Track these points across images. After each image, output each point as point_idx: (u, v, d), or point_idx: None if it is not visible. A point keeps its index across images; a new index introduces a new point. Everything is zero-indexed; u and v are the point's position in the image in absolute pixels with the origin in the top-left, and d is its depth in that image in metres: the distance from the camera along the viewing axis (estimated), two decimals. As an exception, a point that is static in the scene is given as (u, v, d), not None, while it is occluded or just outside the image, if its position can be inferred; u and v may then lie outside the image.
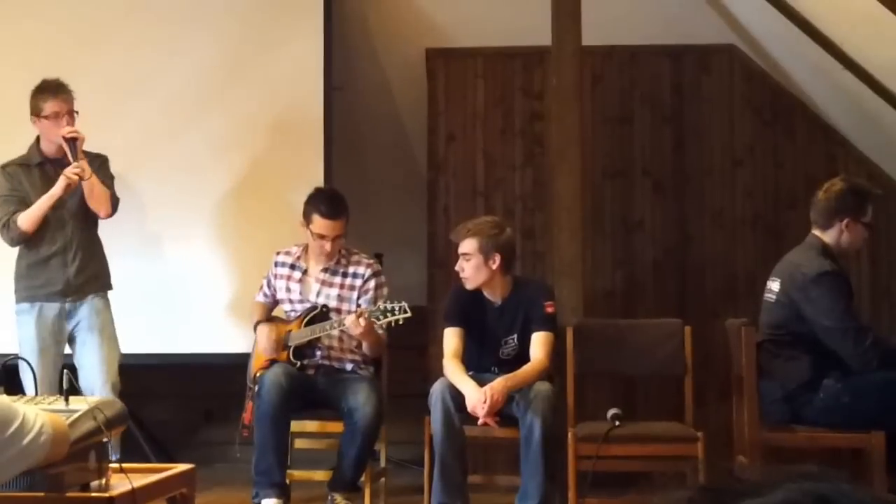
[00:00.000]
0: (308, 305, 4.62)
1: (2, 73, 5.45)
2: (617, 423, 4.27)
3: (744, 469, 4.05)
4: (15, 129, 4.84)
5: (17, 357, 3.53)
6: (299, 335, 4.55)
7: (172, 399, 5.98)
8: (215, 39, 5.56)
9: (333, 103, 5.61)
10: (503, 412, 4.18)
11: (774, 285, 4.18)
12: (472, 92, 5.83)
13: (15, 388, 2.58)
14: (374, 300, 4.53)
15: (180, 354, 5.46)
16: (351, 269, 4.64)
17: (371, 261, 4.72)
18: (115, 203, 4.61)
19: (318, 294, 4.63)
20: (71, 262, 4.56)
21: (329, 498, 4.40)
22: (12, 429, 2.10)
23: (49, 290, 4.54)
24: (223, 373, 5.26)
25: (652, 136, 5.76)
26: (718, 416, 4.86)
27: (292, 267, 4.70)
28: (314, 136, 5.50)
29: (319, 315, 4.56)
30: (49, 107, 4.52)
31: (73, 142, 4.46)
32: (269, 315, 4.77)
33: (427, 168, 5.86)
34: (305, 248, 4.71)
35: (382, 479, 4.70)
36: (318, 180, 5.26)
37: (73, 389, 2.57)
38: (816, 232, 4.17)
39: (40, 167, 4.60)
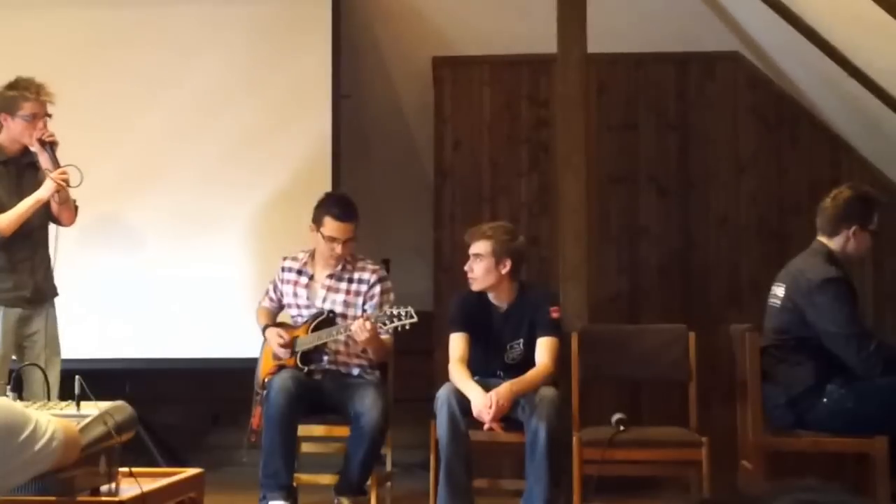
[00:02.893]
0: (314, 311, 4.65)
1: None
2: (622, 427, 4.29)
3: (747, 476, 4.08)
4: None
5: (32, 364, 3.55)
6: (306, 341, 4.58)
7: (181, 403, 6.02)
8: (225, 49, 5.61)
9: (341, 111, 5.65)
10: (509, 417, 4.20)
11: (779, 290, 4.20)
12: (479, 99, 5.86)
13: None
14: (380, 305, 4.56)
15: (189, 359, 5.50)
16: (356, 275, 4.67)
17: (376, 266, 4.75)
18: (76, 210, 4.50)
19: (324, 300, 4.66)
20: (38, 267, 4.44)
21: (336, 501, 4.42)
22: (25, 434, 2.13)
23: (17, 295, 4.38)
24: (231, 377, 5.29)
25: (657, 143, 5.79)
26: (723, 421, 4.88)
27: (299, 273, 4.73)
28: (322, 144, 5.54)
29: (326, 320, 4.59)
30: (29, 107, 4.32)
31: (51, 146, 4.32)
32: (274, 319, 4.81)
33: (433, 175, 5.90)
34: (312, 254, 4.74)
35: (388, 483, 4.72)
36: (327, 187, 5.30)
37: (85, 395, 2.59)
38: (822, 238, 4.18)
39: (5, 165, 4.41)
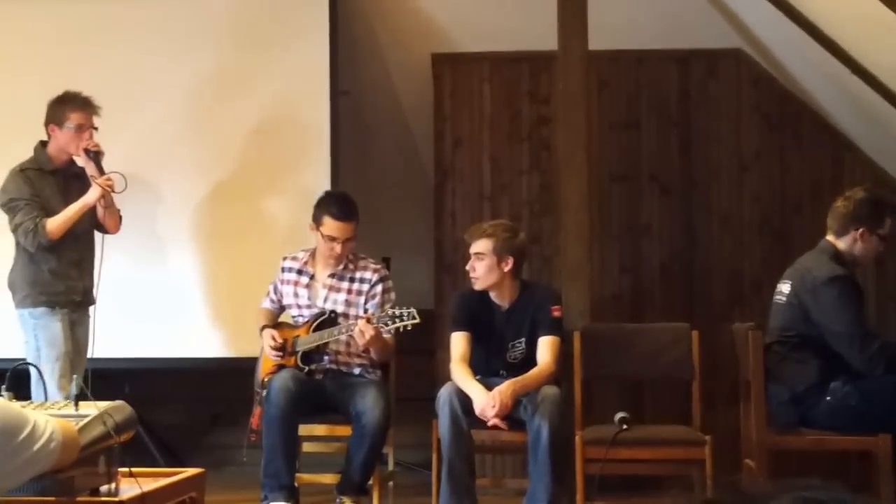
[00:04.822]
0: (315, 311, 4.63)
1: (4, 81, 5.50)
2: (624, 426, 4.28)
3: (751, 474, 4.06)
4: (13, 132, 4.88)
5: (26, 363, 3.53)
6: (307, 340, 4.55)
7: (181, 403, 6.00)
8: (222, 44, 5.57)
9: (340, 108, 5.62)
10: (511, 416, 4.19)
11: (785, 287, 4.19)
12: (479, 97, 5.84)
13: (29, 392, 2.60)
14: (382, 305, 4.54)
15: (188, 359, 5.47)
16: (358, 275, 4.65)
17: (378, 266, 4.73)
18: (120, 219, 4.71)
19: (325, 299, 4.64)
20: (86, 272, 4.63)
21: (337, 501, 4.41)
22: (23, 435, 2.11)
23: (68, 298, 4.55)
24: (231, 377, 5.27)
25: (659, 141, 5.76)
26: (726, 420, 4.86)
27: (299, 272, 4.71)
28: (321, 141, 5.50)
29: (327, 320, 4.56)
30: (76, 118, 4.54)
31: (96, 155, 4.51)
32: (274, 321, 4.78)
33: (434, 172, 5.87)
34: (312, 254, 4.72)
35: (390, 483, 4.71)
36: (326, 185, 5.27)
37: (83, 395, 2.57)
38: (830, 238, 4.18)
39: (53, 174, 4.61)
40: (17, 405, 2.30)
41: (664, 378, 4.83)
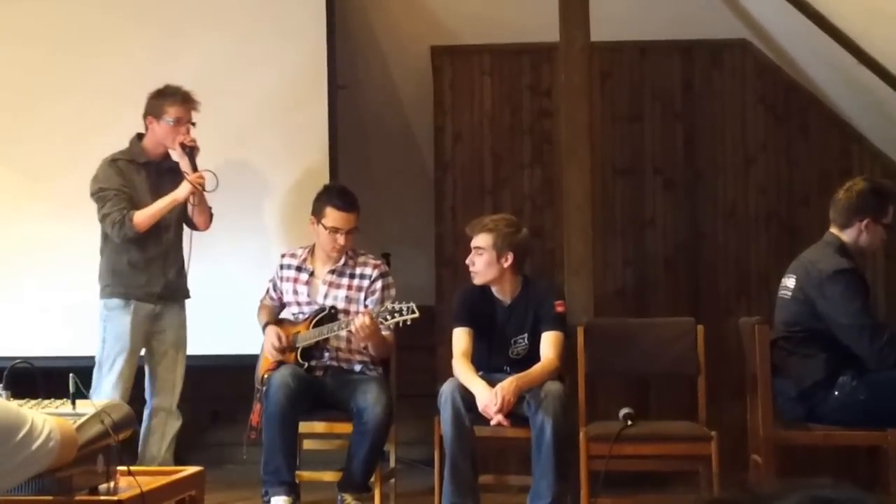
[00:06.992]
0: (315, 307, 4.58)
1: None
2: (629, 422, 4.24)
3: (758, 470, 4.02)
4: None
5: (24, 361, 3.46)
6: (307, 336, 4.52)
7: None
8: (219, 38, 5.51)
9: (338, 102, 5.56)
10: (514, 412, 4.16)
11: (790, 282, 4.15)
12: (479, 90, 5.79)
13: (27, 391, 2.56)
14: (382, 301, 4.51)
15: (187, 356, 5.41)
16: (358, 270, 4.61)
17: (378, 261, 4.70)
18: (211, 217, 4.69)
19: (325, 296, 4.60)
20: (170, 266, 4.62)
21: (339, 498, 4.38)
22: (20, 435, 2.08)
23: (147, 291, 4.55)
24: (230, 374, 5.23)
25: (663, 133, 5.71)
26: (732, 415, 4.83)
27: (298, 269, 4.67)
28: (319, 136, 5.45)
29: (327, 316, 4.53)
30: (174, 111, 4.53)
31: (191, 150, 4.51)
32: (275, 317, 4.74)
33: (434, 167, 5.83)
34: (311, 250, 4.68)
35: (392, 480, 4.67)
36: (324, 180, 5.22)
37: (80, 393, 2.54)
38: (834, 230, 4.15)
39: (145, 167, 4.61)
40: (14, 404, 2.28)
41: (669, 373, 4.78)
